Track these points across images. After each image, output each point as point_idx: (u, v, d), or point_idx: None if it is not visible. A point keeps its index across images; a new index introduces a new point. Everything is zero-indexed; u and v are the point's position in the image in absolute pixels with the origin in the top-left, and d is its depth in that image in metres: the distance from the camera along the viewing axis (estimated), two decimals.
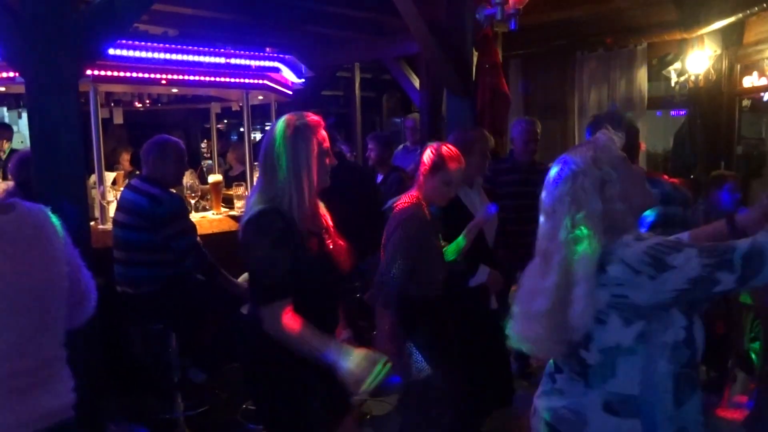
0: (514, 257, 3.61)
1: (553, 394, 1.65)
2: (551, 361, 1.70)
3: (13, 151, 4.86)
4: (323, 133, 2.02)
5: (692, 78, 6.62)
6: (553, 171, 1.58)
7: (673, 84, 6.98)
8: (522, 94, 8.07)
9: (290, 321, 1.89)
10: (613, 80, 7.92)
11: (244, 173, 5.52)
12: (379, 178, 4.81)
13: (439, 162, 2.70)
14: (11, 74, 3.69)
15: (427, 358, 2.66)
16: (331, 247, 2.08)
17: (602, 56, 7.93)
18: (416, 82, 6.12)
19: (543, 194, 1.60)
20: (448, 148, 2.75)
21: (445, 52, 4.26)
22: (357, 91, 7.90)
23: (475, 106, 4.25)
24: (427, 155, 2.73)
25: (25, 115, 6.59)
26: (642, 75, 7.60)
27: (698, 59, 6.53)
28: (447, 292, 2.81)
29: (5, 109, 6.79)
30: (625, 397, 1.51)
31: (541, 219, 1.60)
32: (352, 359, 1.84)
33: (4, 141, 4.35)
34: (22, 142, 6.55)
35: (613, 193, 1.51)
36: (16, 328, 1.46)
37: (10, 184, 3.32)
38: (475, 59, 4.42)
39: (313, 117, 2.03)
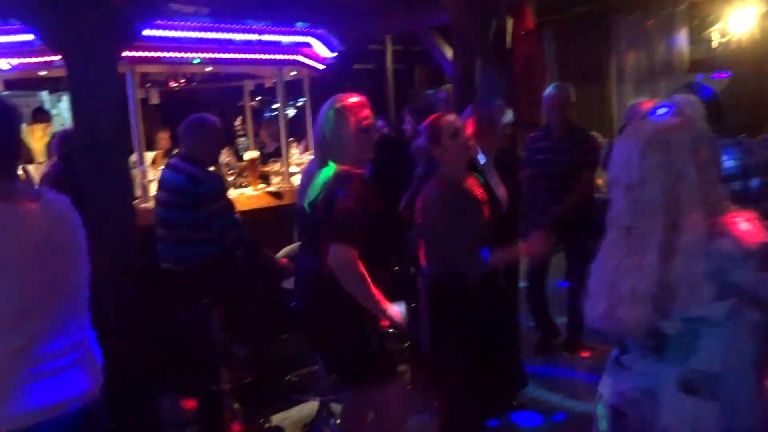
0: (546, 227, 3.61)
1: (620, 376, 1.52)
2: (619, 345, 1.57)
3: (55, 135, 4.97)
4: (365, 110, 2.42)
5: (735, 39, 6.37)
6: (629, 141, 1.45)
7: (714, 45, 6.73)
8: (556, 61, 7.88)
9: (358, 263, 2.24)
10: (652, 43, 7.69)
11: (278, 150, 5.55)
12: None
13: (450, 127, 2.64)
14: (51, 58, 3.77)
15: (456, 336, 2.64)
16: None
17: (640, 19, 7.68)
18: (449, 53, 6.03)
19: (618, 166, 1.46)
20: (447, 116, 2.71)
21: (478, 19, 4.18)
22: (389, 64, 7.84)
23: (510, 75, 4.17)
24: (439, 125, 2.66)
25: (65, 98, 6.75)
26: (682, 37, 7.35)
27: (742, 18, 6.27)
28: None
29: (46, 92, 6.94)
30: (707, 375, 1.39)
31: (617, 193, 1.47)
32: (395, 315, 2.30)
33: (45, 126, 4.45)
34: (62, 125, 6.71)
35: (706, 159, 1.39)
36: (47, 313, 1.50)
37: (54, 159, 3.40)
38: (509, 26, 4.32)
39: (359, 98, 2.44)
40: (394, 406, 2.45)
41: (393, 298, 2.35)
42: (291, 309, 3.24)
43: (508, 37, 4.33)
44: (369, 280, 2.25)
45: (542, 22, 6.78)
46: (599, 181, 5.70)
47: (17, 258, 1.43)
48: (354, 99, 2.42)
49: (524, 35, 4.15)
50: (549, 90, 4.05)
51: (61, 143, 3.37)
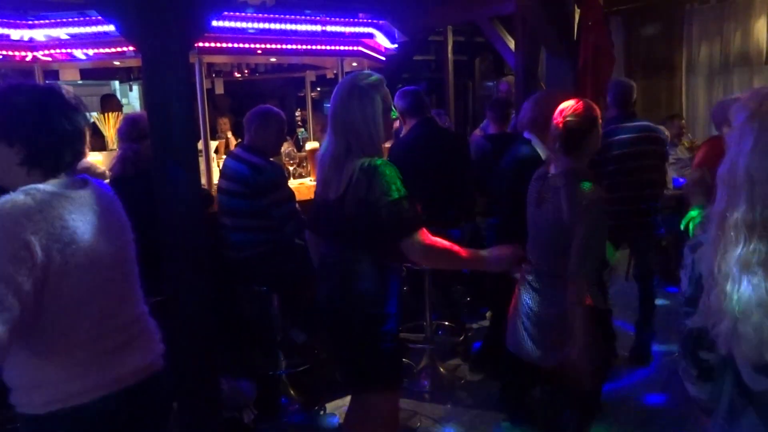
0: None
1: None
2: None
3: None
4: (385, 89, 2.18)
5: None
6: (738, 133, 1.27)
7: None
8: (623, 51, 7.62)
9: (437, 239, 2.12)
10: (727, 33, 7.33)
11: None
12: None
13: (593, 114, 2.42)
14: (124, 49, 3.91)
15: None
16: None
17: (715, 7, 7.33)
18: (511, 44, 5.92)
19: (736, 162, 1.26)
20: (583, 105, 2.46)
21: (544, 9, 4.09)
22: (449, 55, 7.76)
23: (576, 66, 4.06)
24: (576, 117, 2.40)
25: (135, 87, 6.99)
26: (761, 26, 6.98)
27: None
28: None
29: (117, 82, 7.21)
30: None
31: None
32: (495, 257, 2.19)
33: (117, 114, 4.62)
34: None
35: None
36: (106, 291, 1.57)
37: (123, 145, 3.49)
38: (576, 16, 4.20)
39: (378, 75, 2.20)
40: (392, 416, 2.30)
41: (447, 291, 2.26)
42: None
43: (575, 27, 4.22)
44: (452, 249, 2.12)
45: (611, 10, 6.57)
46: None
47: (79, 239, 1.49)
48: (376, 77, 2.19)
49: (592, 24, 4.02)
50: (619, 85, 3.84)
51: (131, 128, 3.45)
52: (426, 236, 2.10)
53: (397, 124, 4.33)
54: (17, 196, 1.42)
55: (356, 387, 2.33)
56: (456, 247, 2.15)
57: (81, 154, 1.62)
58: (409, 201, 2.08)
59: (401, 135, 4.04)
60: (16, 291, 1.34)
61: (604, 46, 4.02)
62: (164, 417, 1.78)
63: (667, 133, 5.57)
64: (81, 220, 1.51)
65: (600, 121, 2.49)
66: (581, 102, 2.47)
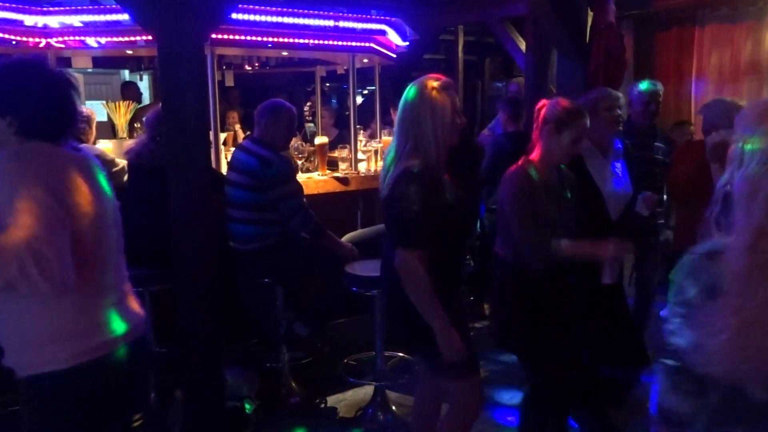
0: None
1: None
2: None
3: (140, 110, 5.14)
4: (455, 93, 2.22)
5: None
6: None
7: None
8: (634, 56, 7.60)
9: (419, 269, 2.11)
10: (738, 41, 7.30)
11: (339, 136, 5.58)
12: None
13: (564, 117, 2.49)
14: (137, 38, 3.93)
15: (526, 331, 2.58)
16: (460, 198, 2.26)
17: (727, 15, 7.31)
18: (522, 45, 5.92)
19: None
20: (568, 102, 2.56)
21: (557, 12, 4.09)
22: (460, 54, 7.76)
23: (587, 69, 4.06)
24: (550, 111, 2.52)
25: (146, 77, 7.01)
26: None
27: None
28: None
29: (127, 71, 7.23)
30: None
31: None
32: (451, 340, 2.13)
33: (129, 103, 4.63)
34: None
35: None
36: (109, 244, 1.67)
37: (144, 136, 3.49)
38: (589, 19, 4.20)
39: (448, 80, 2.22)
40: (472, 401, 2.39)
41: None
42: (352, 293, 3.29)
43: (588, 31, 4.22)
44: (431, 290, 2.12)
45: (622, 15, 6.56)
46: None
47: (92, 192, 1.60)
48: (446, 80, 2.22)
49: (604, 29, 4.02)
50: (643, 85, 3.82)
51: (160, 121, 3.38)
52: (415, 259, 2.11)
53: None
54: (21, 150, 1.54)
55: (437, 374, 2.38)
56: (434, 302, 2.13)
57: (73, 120, 1.70)
58: (423, 218, 2.10)
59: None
60: (53, 235, 1.39)
61: (616, 50, 4.02)
62: (148, 376, 1.92)
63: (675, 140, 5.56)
64: (81, 175, 1.60)
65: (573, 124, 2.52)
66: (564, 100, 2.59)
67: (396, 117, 2.25)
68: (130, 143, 3.71)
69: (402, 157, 2.16)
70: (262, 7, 4.00)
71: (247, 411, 3.18)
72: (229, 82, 5.37)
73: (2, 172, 1.47)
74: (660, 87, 3.83)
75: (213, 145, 4.06)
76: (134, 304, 1.77)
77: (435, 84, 2.16)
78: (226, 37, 3.95)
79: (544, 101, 2.61)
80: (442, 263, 2.21)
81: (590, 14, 4.23)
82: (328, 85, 8.62)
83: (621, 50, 4.10)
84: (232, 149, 3.98)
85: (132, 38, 3.97)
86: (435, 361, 2.23)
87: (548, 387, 2.69)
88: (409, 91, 2.18)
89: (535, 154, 2.58)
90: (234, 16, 3.81)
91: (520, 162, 2.59)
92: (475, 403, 2.41)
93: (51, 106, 1.61)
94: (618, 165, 3.06)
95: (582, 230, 2.61)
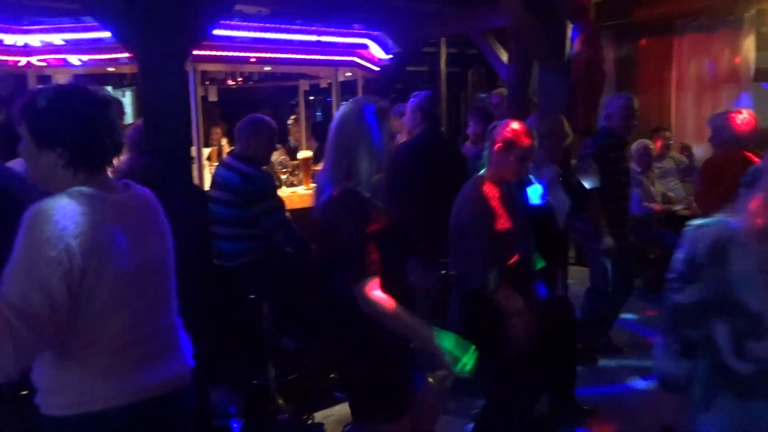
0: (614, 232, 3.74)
1: None
2: None
3: (125, 127, 5.10)
4: (389, 117, 2.14)
5: None
6: None
7: None
8: (615, 67, 7.70)
9: (383, 297, 1.95)
10: (716, 50, 7.42)
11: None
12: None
13: (511, 138, 2.71)
14: (119, 55, 3.91)
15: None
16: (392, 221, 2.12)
17: (705, 25, 7.43)
18: (503, 57, 5.97)
19: None
20: (517, 124, 2.77)
21: (538, 23, 4.13)
22: (442, 66, 7.81)
23: (568, 80, 4.11)
24: (499, 132, 2.75)
25: (128, 93, 6.97)
26: (749, 44, 7.08)
27: None
28: None
29: (110, 88, 7.18)
30: None
31: None
32: (448, 339, 1.94)
33: None
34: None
35: None
36: (139, 299, 1.56)
37: (131, 153, 3.45)
38: (569, 31, 4.25)
39: (385, 102, 2.14)
40: None
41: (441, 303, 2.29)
42: None
43: (568, 42, 4.27)
44: (400, 309, 1.96)
45: (602, 25, 6.64)
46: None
47: (117, 245, 1.49)
48: (384, 103, 2.14)
49: (584, 40, 4.08)
50: (622, 99, 3.95)
51: (141, 138, 3.36)
52: (372, 288, 1.95)
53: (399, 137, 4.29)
54: (61, 199, 1.43)
55: (356, 415, 2.26)
56: (404, 317, 1.98)
57: (121, 145, 1.63)
58: (368, 243, 1.96)
59: (401, 141, 4.00)
60: (49, 294, 1.35)
61: (596, 61, 4.07)
62: None
63: (652, 146, 5.65)
64: (121, 225, 1.52)
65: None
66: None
67: (329, 139, 2.13)
68: (116, 163, 3.67)
69: (335, 180, 2.04)
70: (245, 23, 4.02)
71: (233, 430, 3.14)
72: (213, 97, 5.35)
73: (28, 226, 1.39)
74: (635, 101, 3.96)
75: (196, 162, 4.05)
76: (171, 359, 1.67)
77: (370, 107, 2.07)
78: (208, 53, 3.96)
79: (501, 123, 2.81)
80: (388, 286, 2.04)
81: (570, 26, 4.29)
82: (312, 98, 8.63)
83: (600, 61, 4.16)
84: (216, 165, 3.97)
85: (114, 56, 3.96)
86: (355, 396, 2.17)
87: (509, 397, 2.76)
88: (344, 114, 2.09)
89: (488, 171, 2.78)
90: (216, 32, 3.81)
91: (473, 180, 2.77)
92: None
93: (101, 133, 1.53)
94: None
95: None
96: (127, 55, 3.89)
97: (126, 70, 4.75)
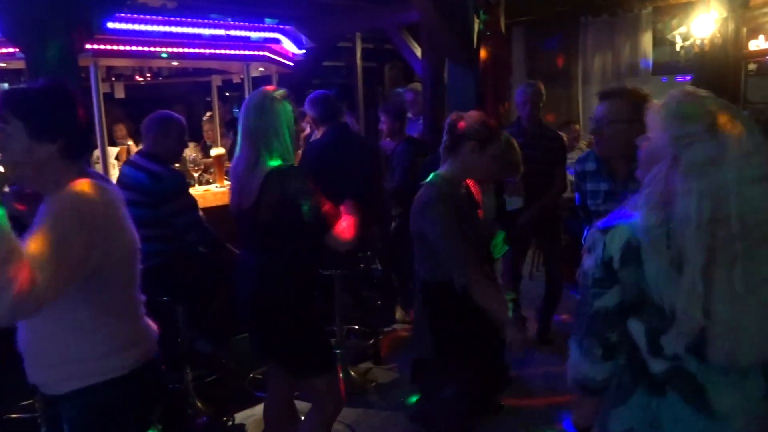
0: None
1: None
2: None
3: None
4: (293, 102, 2.34)
5: (698, 42, 6.54)
6: None
7: (678, 49, 6.91)
8: (524, 61, 7.98)
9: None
10: (618, 46, 7.84)
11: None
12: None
13: (487, 134, 2.41)
14: (11, 50, 3.68)
15: (446, 340, 2.56)
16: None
17: (607, 21, 7.82)
18: (418, 52, 6.06)
19: None
20: (485, 117, 2.47)
21: (446, 19, 4.23)
22: (359, 61, 7.84)
23: (477, 74, 4.22)
24: (471, 127, 2.41)
25: None
26: (647, 40, 7.52)
27: (704, 23, 6.44)
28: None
29: (6, 85, 6.77)
30: None
31: None
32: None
33: None
34: None
35: None
36: (133, 274, 1.81)
37: None
38: (476, 26, 4.37)
39: (285, 90, 2.35)
40: (335, 394, 2.48)
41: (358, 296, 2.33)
42: None
43: (475, 37, 4.39)
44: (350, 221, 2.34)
45: (512, 22, 6.87)
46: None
47: (123, 227, 1.71)
48: (282, 90, 2.35)
49: (491, 35, 4.20)
50: (523, 86, 4.09)
51: None
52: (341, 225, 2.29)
53: (307, 129, 4.32)
54: (87, 189, 1.59)
55: (299, 375, 2.47)
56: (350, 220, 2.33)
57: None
58: (322, 198, 2.23)
59: (312, 140, 4.03)
60: (78, 264, 1.50)
61: (501, 55, 4.21)
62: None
63: (565, 138, 5.90)
64: (119, 210, 1.71)
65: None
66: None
67: (240, 126, 2.32)
68: None
69: (258, 163, 2.22)
70: (150, 17, 3.87)
71: None
72: (120, 94, 5.15)
73: (62, 211, 1.52)
74: (537, 87, 4.06)
75: (101, 161, 3.88)
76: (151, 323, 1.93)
77: (276, 94, 2.28)
78: (111, 47, 3.79)
79: (453, 115, 2.52)
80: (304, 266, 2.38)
81: (477, 21, 4.41)
82: (228, 94, 8.45)
83: (506, 56, 4.30)
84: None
85: (7, 50, 3.72)
86: (297, 361, 2.38)
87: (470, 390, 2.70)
88: (253, 102, 2.28)
89: (446, 169, 2.48)
90: (119, 26, 3.66)
91: (431, 179, 2.49)
92: (338, 397, 2.50)
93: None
94: None
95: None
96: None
97: (22, 65, 4.48)
